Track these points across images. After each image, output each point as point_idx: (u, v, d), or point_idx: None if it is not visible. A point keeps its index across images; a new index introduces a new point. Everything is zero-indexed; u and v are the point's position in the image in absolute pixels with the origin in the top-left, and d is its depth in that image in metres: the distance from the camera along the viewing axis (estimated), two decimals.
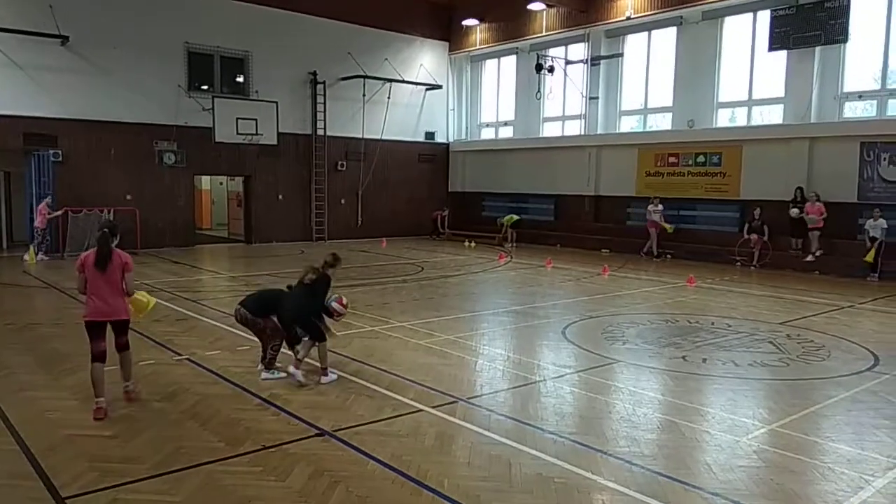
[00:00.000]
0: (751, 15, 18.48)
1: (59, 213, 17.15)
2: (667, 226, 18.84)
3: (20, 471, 4.82)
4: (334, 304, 7.17)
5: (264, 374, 7.12)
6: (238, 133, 20.15)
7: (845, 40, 16.49)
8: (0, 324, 9.62)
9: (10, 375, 7.12)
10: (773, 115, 18.57)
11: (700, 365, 7.91)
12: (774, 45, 17.49)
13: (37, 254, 16.57)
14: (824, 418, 6.20)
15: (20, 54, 17.36)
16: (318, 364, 7.03)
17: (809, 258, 16.33)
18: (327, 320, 7.27)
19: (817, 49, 16.97)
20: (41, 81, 17.84)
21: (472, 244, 22.39)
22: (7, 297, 12.01)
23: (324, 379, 6.96)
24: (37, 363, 7.62)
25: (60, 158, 18.17)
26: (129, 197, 19.03)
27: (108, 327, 6.18)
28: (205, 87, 20.73)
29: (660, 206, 18.85)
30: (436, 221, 24.90)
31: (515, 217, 22.58)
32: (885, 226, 15.05)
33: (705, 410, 6.38)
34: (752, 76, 18.74)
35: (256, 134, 20.47)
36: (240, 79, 21.55)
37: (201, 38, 20.40)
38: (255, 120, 20.43)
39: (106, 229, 6.13)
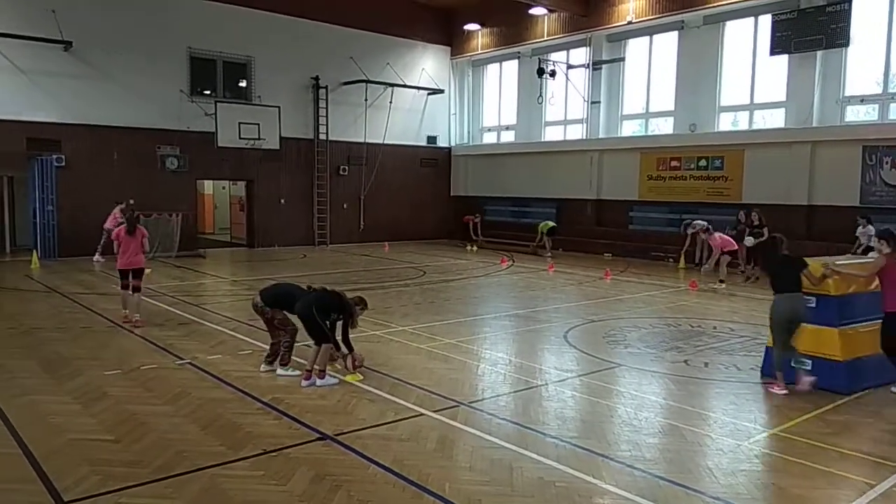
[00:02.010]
0: (752, 19, 18.49)
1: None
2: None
3: (22, 475, 4.82)
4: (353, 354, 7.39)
5: (279, 371, 7.29)
6: (240, 138, 20.18)
7: (847, 44, 16.49)
8: (2, 328, 9.65)
9: (12, 379, 7.13)
10: (775, 119, 18.57)
11: (702, 369, 7.90)
12: (776, 49, 17.49)
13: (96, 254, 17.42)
14: (825, 422, 6.17)
15: (23, 59, 17.42)
16: (316, 367, 7.02)
17: (716, 285, 14.43)
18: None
19: (819, 53, 16.96)
20: (44, 86, 17.90)
21: (474, 248, 22.38)
22: (10, 301, 12.02)
23: (319, 382, 6.96)
24: (39, 367, 7.63)
25: (63, 163, 18.22)
26: (132, 201, 19.02)
27: None
28: (207, 92, 20.77)
29: (699, 223, 16.86)
30: (468, 227, 23.80)
31: (551, 224, 20.99)
32: (873, 232, 14.70)
33: (707, 414, 6.37)
34: (753, 80, 18.74)
35: (259, 139, 20.51)
36: (242, 83, 21.60)
37: (204, 43, 20.46)
38: (258, 124, 20.47)
39: (132, 212, 11.23)
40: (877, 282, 7.04)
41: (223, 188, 27.23)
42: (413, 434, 5.69)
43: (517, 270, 17.26)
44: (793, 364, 7.05)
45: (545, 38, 23.08)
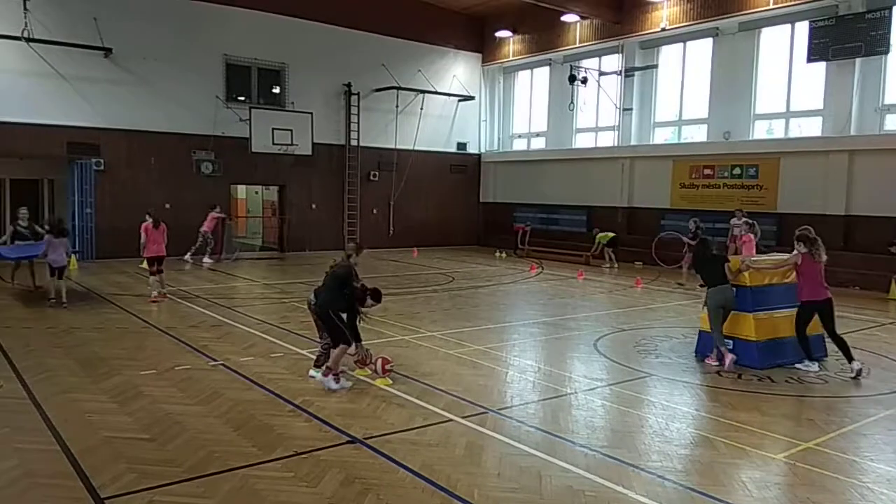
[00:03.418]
0: (789, 26, 18.22)
1: (223, 214, 19.29)
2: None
3: (61, 470, 4.95)
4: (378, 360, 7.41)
5: (311, 372, 7.39)
6: (274, 143, 20.46)
7: (887, 51, 16.15)
8: (42, 328, 9.90)
9: (51, 377, 7.31)
10: (811, 128, 18.25)
11: (735, 380, 7.78)
12: (813, 56, 17.20)
13: (203, 257, 18.42)
14: (863, 437, 6.06)
15: (65, 66, 17.89)
16: (332, 369, 7.05)
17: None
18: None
19: (858, 60, 16.64)
20: (85, 92, 18.36)
21: (503, 255, 22.33)
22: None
23: (325, 380, 7.01)
24: (77, 366, 7.81)
25: (102, 167, 18.68)
26: (168, 206, 19.38)
27: None
28: (242, 98, 21.11)
29: (742, 220, 15.61)
30: (517, 235, 23.06)
31: (611, 234, 20.00)
32: None
33: (740, 426, 6.27)
34: (789, 88, 18.45)
35: (292, 144, 20.76)
36: (276, 90, 21.91)
37: (239, 50, 20.81)
38: (291, 130, 20.73)
39: (153, 209, 12.95)
40: (793, 275, 8.34)
41: (256, 193, 27.58)
42: (442, 439, 5.70)
43: (546, 278, 17.19)
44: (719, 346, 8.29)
45: (577, 45, 23.02)
